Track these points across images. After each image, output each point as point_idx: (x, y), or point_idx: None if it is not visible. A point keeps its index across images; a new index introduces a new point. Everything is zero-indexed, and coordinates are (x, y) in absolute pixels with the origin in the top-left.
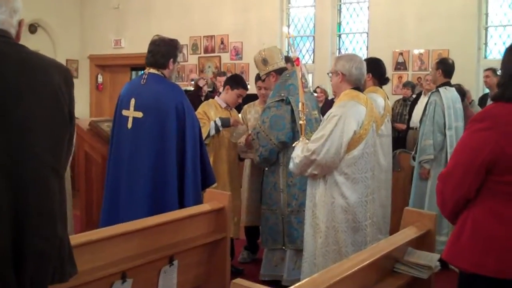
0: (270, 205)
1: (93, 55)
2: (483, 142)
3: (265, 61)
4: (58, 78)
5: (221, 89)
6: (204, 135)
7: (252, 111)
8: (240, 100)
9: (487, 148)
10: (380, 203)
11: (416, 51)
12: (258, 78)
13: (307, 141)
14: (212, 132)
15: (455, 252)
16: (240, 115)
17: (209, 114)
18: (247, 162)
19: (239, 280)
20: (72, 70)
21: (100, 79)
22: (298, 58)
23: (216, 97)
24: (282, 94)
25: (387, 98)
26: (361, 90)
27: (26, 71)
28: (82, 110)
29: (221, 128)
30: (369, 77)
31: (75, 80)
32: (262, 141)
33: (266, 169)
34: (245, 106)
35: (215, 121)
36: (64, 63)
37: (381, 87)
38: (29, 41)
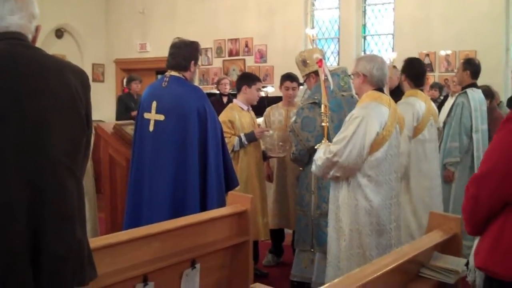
0: (302, 206)
1: (118, 59)
2: None
3: (304, 62)
4: (75, 80)
5: None
6: (229, 149)
7: (276, 114)
8: (260, 94)
9: None
10: (426, 211)
11: (442, 53)
12: (286, 78)
13: (329, 143)
14: (237, 148)
15: (498, 259)
16: (262, 118)
17: (235, 122)
18: (274, 163)
19: (257, 285)
20: (98, 74)
21: (125, 83)
22: (321, 60)
23: (235, 100)
24: (316, 97)
25: (432, 101)
26: (383, 91)
27: (42, 73)
28: (108, 113)
29: (246, 144)
30: (404, 77)
31: (101, 84)
32: (294, 140)
33: (301, 169)
34: (268, 109)
35: (240, 138)
36: (90, 67)
37: (421, 89)
38: (56, 46)
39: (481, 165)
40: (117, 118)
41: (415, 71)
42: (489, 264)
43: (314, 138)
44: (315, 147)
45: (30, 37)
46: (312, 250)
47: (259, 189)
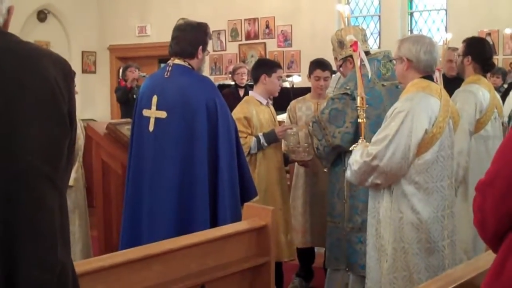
0: (333, 216)
1: (113, 46)
2: None
3: (341, 44)
4: (55, 72)
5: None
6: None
7: (303, 108)
8: (281, 84)
9: None
10: None
11: (508, 31)
12: (316, 65)
13: (367, 144)
14: (254, 151)
15: None
16: (286, 114)
17: (253, 118)
18: (299, 169)
19: None
20: (89, 64)
21: (121, 73)
22: (355, 42)
23: (251, 93)
24: (348, 87)
25: (494, 90)
26: (433, 79)
27: (15, 65)
28: (101, 111)
29: (265, 146)
30: (468, 61)
31: (92, 76)
32: (318, 134)
33: (325, 170)
34: (293, 102)
35: (258, 139)
36: (79, 55)
37: (484, 75)
38: (38, 31)
39: (488, 169)
40: (123, 113)
41: (485, 53)
42: None
43: (340, 135)
44: (350, 148)
45: (0, 20)
46: (346, 269)
47: (281, 200)
